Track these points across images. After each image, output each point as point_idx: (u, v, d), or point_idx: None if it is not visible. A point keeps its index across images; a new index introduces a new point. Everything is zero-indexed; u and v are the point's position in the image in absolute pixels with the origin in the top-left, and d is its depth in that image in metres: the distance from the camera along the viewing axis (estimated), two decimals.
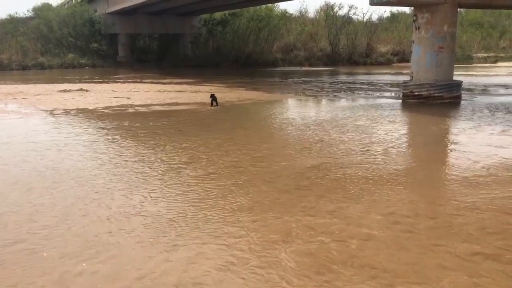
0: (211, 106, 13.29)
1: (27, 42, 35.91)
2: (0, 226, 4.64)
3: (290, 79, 25.02)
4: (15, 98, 15.85)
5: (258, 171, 6.61)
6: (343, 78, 26.28)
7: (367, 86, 20.08)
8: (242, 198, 5.42)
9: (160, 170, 6.67)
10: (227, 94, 17.08)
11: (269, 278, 3.62)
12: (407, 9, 40.81)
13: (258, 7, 38.57)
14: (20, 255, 3.99)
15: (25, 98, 15.76)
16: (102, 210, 5.06)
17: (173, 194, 5.57)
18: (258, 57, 37.46)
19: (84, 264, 3.82)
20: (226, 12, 38.47)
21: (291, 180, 6.14)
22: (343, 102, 15.05)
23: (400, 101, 14.82)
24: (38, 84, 21.28)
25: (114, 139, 8.99)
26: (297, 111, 13.38)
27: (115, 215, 4.89)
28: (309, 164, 6.90)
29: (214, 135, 9.24)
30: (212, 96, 13.44)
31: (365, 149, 7.93)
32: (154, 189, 5.76)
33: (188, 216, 4.86)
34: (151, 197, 5.47)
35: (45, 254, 4.01)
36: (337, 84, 21.66)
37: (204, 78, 24.71)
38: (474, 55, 41.88)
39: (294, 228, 4.55)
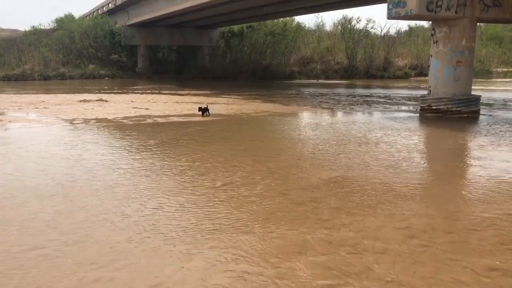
0: (202, 116, 13.82)
1: (49, 53, 36.81)
2: (21, 232, 4.75)
3: (306, 92, 25.08)
4: (37, 108, 16.21)
5: (273, 183, 6.64)
6: (360, 91, 26.24)
7: (384, 100, 20.02)
8: (257, 210, 5.45)
9: (176, 180, 6.75)
10: (244, 106, 17.21)
11: None
12: (425, 23, 40.75)
13: (275, 20, 38.93)
14: (39, 261, 4.08)
15: (46, 108, 16.10)
16: (120, 218, 5.14)
17: (188, 204, 5.63)
18: (275, 70, 37.71)
19: (101, 271, 3.89)
20: (244, 25, 38.89)
21: (306, 193, 6.15)
22: (359, 116, 15.02)
23: (418, 115, 14.74)
24: (58, 94, 21.74)
25: (130, 148, 9.12)
26: (313, 123, 13.40)
27: (132, 223, 4.97)
28: (325, 177, 6.91)
29: (230, 147, 9.32)
30: (200, 108, 14.02)
31: (381, 162, 7.91)
32: (170, 199, 5.83)
33: (204, 225, 4.90)
34: (166, 206, 5.54)
35: (64, 260, 4.09)
36: (354, 97, 21.65)
37: (221, 90, 24.92)
38: (494, 69, 41.48)
39: (309, 240, 4.56)
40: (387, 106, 17.58)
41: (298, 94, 23.80)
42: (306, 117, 15.10)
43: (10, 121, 12.98)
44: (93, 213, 5.29)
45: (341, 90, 26.54)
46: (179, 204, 5.62)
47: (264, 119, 14.01)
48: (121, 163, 7.83)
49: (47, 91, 23.99)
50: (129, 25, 37.81)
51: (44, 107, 16.26)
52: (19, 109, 15.89)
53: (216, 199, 5.85)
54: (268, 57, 39.66)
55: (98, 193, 6.06)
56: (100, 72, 36.63)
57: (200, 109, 13.98)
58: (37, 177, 6.87)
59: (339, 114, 15.44)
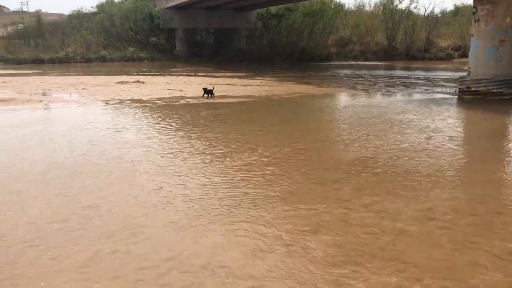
0: (202, 96, 14.01)
1: (91, 36, 37.67)
2: (47, 205, 4.96)
3: (343, 73, 24.64)
4: (76, 89, 16.73)
5: (297, 163, 6.61)
6: (398, 72, 25.52)
7: (422, 81, 19.41)
8: (277, 188, 5.45)
9: (201, 158, 6.84)
10: (276, 87, 17.12)
11: (294, 266, 3.64)
12: (472, 1, 38.89)
13: (313, 0, 38.22)
14: (61, 233, 4.27)
15: (85, 89, 16.59)
16: (142, 194, 5.28)
17: (210, 181, 5.69)
18: (312, 51, 37.17)
19: (119, 244, 4.02)
20: (282, 6, 38.41)
21: (329, 173, 6.10)
22: (394, 97, 14.62)
23: (456, 97, 14.22)
24: (98, 76, 22.31)
25: (161, 127, 9.28)
26: (345, 105, 13.17)
27: (152, 199, 5.09)
28: (351, 158, 6.82)
29: (257, 127, 9.33)
30: (205, 89, 14.10)
31: (411, 144, 7.71)
32: (193, 176, 5.91)
33: (223, 203, 4.96)
34: (188, 183, 5.63)
35: (85, 232, 4.26)
36: (391, 78, 21.09)
37: (256, 72, 24.85)
38: None
39: (326, 220, 4.53)
40: (425, 88, 17.03)
41: (333, 75, 23.42)
42: (338, 98, 14.86)
43: (50, 101, 13.47)
44: (117, 190, 5.46)
45: (379, 72, 25.90)
46: (200, 182, 5.70)
47: (295, 100, 13.90)
48: (147, 142, 7.99)
49: (88, 73, 24.68)
50: (167, 8, 38.08)
51: (83, 88, 16.75)
52: (61, 90, 16.44)
53: (239, 177, 5.88)
54: (306, 39, 39.07)
55: (124, 170, 6.22)
56: (140, 54, 37.23)
57: (205, 90, 14.10)
58: (61, 155, 7.14)
59: (373, 96, 15.08)
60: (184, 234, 4.22)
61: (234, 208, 4.82)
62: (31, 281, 3.44)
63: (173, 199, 5.09)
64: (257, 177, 5.89)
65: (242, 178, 5.86)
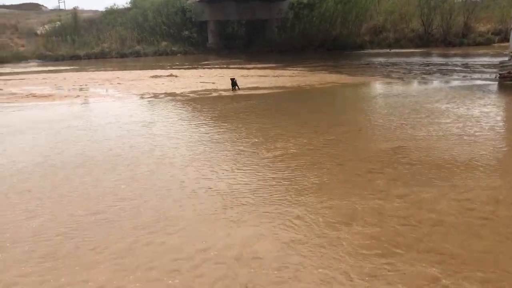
0: (232, 90, 13.81)
1: (125, 31, 38.38)
2: (84, 197, 5.09)
3: (377, 62, 24.14)
4: (112, 83, 17.10)
5: (330, 153, 6.53)
6: (435, 59, 24.78)
7: (460, 68, 18.78)
8: (311, 179, 5.40)
9: (233, 150, 6.85)
10: (309, 77, 16.96)
11: (327, 257, 3.60)
12: None
13: None
14: (98, 225, 4.37)
15: (119, 83, 16.93)
16: (176, 185, 5.34)
17: (243, 173, 5.70)
18: (345, 40, 36.56)
19: (153, 235, 4.09)
20: None
21: (363, 163, 5.99)
22: (430, 85, 14.21)
23: (496, 83, 13.68)
24: (133, 71, 22.72)
25: (194, 119, 9.36)
26: (379, 94, 12.89)
27: (187, 190, 5.14)
28: (385, 148, 6.68)
29: (290, 118, 9.28)
30: (233, 80, 13.95)
31: (448, 133, 7.48)
32: (226, 168, 5.93)
33: (256, 194, 4.96)
34: (222, 174, 5.66)
35: (121, 224, 4.35)
36: (427, 66, 20.50)
37: (288, 63, 24.69)
38: None
39: (360, 211, 4.45)
40: (463, 74, 16.47)
41: (367, 64, 22.97)
42: (372, 87, 14.55)
43: (87, 97, 13.82)
44: (151, 183, 5.54)
45: (415, 59, 25.22)
46: (233, 173, 5.71)
47: (328, 90, 13.73)
48: (181, 135, 8.08)
49: (123, 68, 25.18)
50: (198, 1, 38.29)
51: (118, 83, 17.10)
52: (97, 85, 16.85)
53: (271, 168, 5.87)
54: (338, 27, 38.42)
55: (158, 162, 6.31)
56: (173, 48, 37.70)
57: (232, 80, 14.05)
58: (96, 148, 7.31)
59: (409, 84, 14.70)
60: (217, 225, 4.24)
61: (267, 199, 4.80)
62: (71, 271, 3.54)
63: (208, 189, 5.13)
64: (290, 168, 5.85)
65: (275, 169, 5.84)
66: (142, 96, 13.43)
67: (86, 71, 24.09)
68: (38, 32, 38.65)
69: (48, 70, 25.36)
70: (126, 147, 7.27)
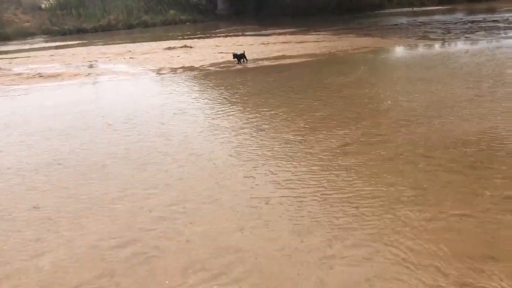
0: (238, 63, 12.31)
1: (131, 1, 36.71)
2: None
3: (404, 22, 22.40)
4: (124, 58, 15.80)
5: (407, 140, 5.24)
6: (468, 17, 22.95)
7: (504, 24, 17.07)
8: (396, 182, 4.13)
9: (280, 138, 5.62)
10: (337, 42, 15.48)
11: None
12: None
13: None
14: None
15: (132, 58, 15.62)
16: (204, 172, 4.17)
17: (304, 166, 4.49)
18: (363, 0, 34.50)
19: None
20: None
21: (456, 154, 4.71)
22: (484, 44, 12.58)
23: None
24: (144, 43, 21.32)
25: (225, 99, 8.10)
26: (430, 58, 11.32)
27: (228, 172, 3.97)
28: (472, 131, 5.37)
29: (337, 93, 7.95)
30: (235, 55, 12.38)
31: None
32: (282, 164, 4.72)
33: (324, 192, 3.75)
34: (276, 169, 4.45)
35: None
36: (465, 24, 18.79)
37: (307, 27, 23.05)
38: None
39: (497, 234, 3.22)
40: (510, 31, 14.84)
41: (395, 25, 21.26)
42: (417, 52, 12.92)
43: (98, 74, 12.58)
44: (187, 169, 4.37)
45: (444, 17, 23.42)
46: (289, 168, 4.50)
47: (365, 56, 12.28)
48: (215, 121, 6.85)
49: (132, 40, 23.73)
50: None
51: (130, 58, 15.77)
52: (107, 60, 15.56)
53: (335, 165, 4.61)
54: None
55: (189, 150, 5.14)
56: (181, 17, 36.07)
57: (235, 56, 12.41)
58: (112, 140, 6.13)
59: (459, 46, 12.94)
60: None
61: (340, 214, 3.60)
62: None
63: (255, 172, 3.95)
64: (360, 164, 4.59)
65: (342, 166, 4.58)
66: (158, 72, 12.14)
67: (95, 45, 22.72)
68: (43, 6, 37.09)
69: (56, 46, 24.04)
70: (156, 137, 6.05)
